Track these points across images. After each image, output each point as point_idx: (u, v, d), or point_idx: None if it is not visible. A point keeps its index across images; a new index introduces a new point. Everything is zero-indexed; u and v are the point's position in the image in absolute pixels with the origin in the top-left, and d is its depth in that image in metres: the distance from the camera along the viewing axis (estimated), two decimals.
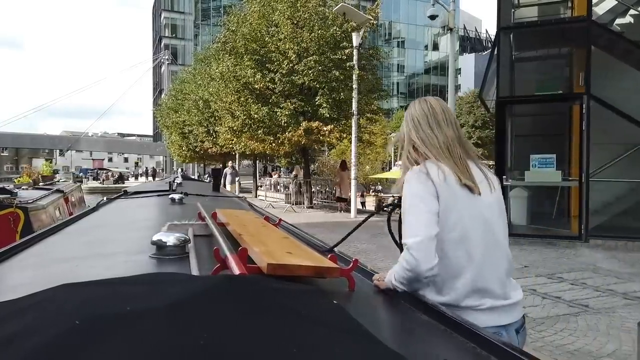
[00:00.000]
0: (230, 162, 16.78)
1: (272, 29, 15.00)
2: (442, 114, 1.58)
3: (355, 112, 13.12)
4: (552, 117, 10.21)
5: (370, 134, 20.78)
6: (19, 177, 13.84)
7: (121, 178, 45.08)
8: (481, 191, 1.47)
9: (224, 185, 27.40)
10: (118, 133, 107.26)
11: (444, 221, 1.41)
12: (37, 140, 69.20)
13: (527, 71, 10.14)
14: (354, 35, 13.12)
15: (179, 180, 5.51)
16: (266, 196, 22.61)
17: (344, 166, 16.28)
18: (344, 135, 15.28)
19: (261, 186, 25.41)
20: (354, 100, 13.18)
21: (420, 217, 1.39)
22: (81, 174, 52.46)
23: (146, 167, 58.16)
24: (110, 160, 79.15)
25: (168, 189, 4.42)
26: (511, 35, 9.39)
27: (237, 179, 19.17)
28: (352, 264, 1.30)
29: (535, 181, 8.89)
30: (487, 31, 73.75)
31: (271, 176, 29.64)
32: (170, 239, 1.42)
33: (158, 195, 3.90)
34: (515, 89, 9.48)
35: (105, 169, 55.89)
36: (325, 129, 14.57)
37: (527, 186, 9.40)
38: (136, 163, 76.94)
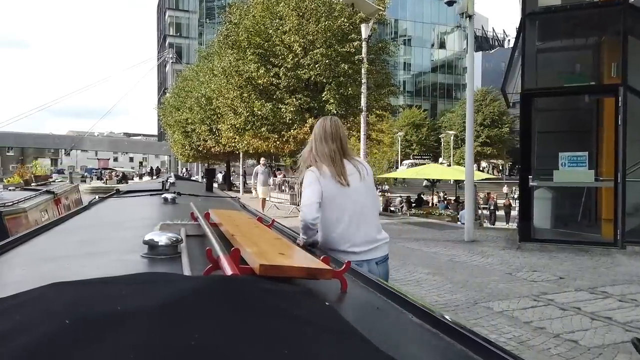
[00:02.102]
0: (262, 158, 15.18)
1: (277, 21, 14.30)
2: (330, 134, 2.41)
3: (364, 108, 12.35)
4: (581, 112, 9.41)
5: (379, 131, 20.00)
6: (10, 177, 13.20)
7: (125, 178, 44.68)
8: (350, 182, 2.36)
9: (222, 185, 26.36)
10: (124, 133, 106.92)
11: (324, 199, 2.32)
12: (41, 140, 68.70)
13: (554, 61, 9.31)
14: (363, 27, 12.34)
15: (172, 179, 5.41)
16: (270, 196, 21.90)
17: None
18: (353, 133, 14.57)
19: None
20: (362, 96, 12.41)
21: (308, 192, 2.33)
22: (86, 173, 52.89)
23: (151, 167, 57.86)
24: (115, 159, 78.64)
25: (161, 188, 4.34)
26: (537, 23, 8.59)
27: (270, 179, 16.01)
28: (344, 265, 1.30)
29: (565, 181, 8.07)
30: (494, 29, 72.75)
31: (276, 176, 28.89)
32: (163, 238, 1.39)
33: (150, 195, 3.83)
34: (542, 80, 8.67)
35: (109, 169, 55.64)
36: None
37: (550, 187, 8.63)
38: (141, 163, 76.54)
